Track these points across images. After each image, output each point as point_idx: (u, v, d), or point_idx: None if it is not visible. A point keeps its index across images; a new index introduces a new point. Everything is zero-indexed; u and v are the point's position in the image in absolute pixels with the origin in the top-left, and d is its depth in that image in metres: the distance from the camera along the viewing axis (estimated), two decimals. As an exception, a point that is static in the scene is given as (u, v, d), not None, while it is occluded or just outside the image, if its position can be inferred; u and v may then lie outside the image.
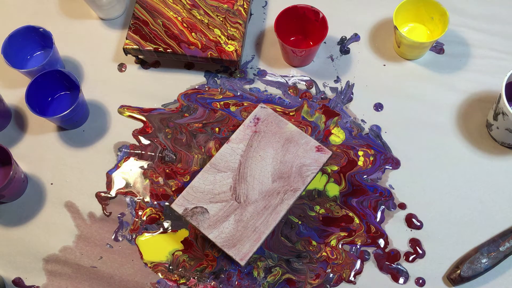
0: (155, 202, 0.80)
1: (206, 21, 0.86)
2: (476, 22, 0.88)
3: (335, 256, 0.76)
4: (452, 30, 0.88)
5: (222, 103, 0.85)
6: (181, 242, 0.77)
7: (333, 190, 0.79)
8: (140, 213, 0.79)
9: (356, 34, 0.89)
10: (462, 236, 0.76)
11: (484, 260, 0.72)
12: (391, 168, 0.80)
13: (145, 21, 0.86)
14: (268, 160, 0.75)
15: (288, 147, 0.75)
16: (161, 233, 0.78)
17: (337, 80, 0.86)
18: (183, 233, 0.78)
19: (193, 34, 0.85)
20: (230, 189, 0.73)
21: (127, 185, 0.81)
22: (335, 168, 0.80)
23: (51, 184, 0.82)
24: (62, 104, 0.85)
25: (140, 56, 0.88)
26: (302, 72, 0.87)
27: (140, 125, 0.85)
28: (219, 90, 0.86)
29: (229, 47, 0.83)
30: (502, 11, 0.89)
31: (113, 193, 0.81)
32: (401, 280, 0.74)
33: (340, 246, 0.76)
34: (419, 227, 0.77)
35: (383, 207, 0.78)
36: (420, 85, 0.85)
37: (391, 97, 0.84)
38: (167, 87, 0.87)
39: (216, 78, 0.87)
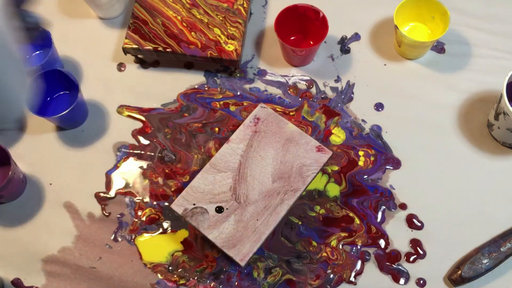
0: (155, 203, 0.79)
1: (205, 20, 0.85)
2: (478, 22, 0.88)
3: (336, 256, 0.75)
4: (453, 30, 0.87)
5: (221, 102, 0.85)
6: (181, 242, 0.77)
7: (334, 190, 0.79)
8: (139, 213, 0.79)
9: (356, 34, 0.89)
10: (463, 236, 0.76)
11: (485, 261, 0.72)
12: (391, 168, 0.80)
13: (144, 21, 0.85)
14: (268, 160, 0.74)
15: (288, 147, 0.75)
16: (161, 233, 0.78)
17: (337, 80, 0.86)
18: (183, 233, 0.78)
19: (192, 33, 0.84)
20: (230, 189, 0.73)
21: (127, 185, 0.81)
22: (336, 168, 0.80)
23: (50, 184, 0.81)
24: (61, 104, 0.85)
25: (139, 56, 0.88)
26: (302, 72, 0.87)
27: (139, 125, 0.84)
28: (218, 89, 0.86)
29: (229, 47, 0.83)
30: (504, 11, 0.89)
31: (112, 193, 0.80)
32: (402, 281, 0.74)
33: (340, 246, 0.76)
34: (419, 228, 0.76)
35: (384, 207, 0.78)
36: (421, 85, 0.85)
37: (392, 96, 0.84)
38: (167, 86, 0.87)
39: (216, 78, 0.87)
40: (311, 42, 0.87)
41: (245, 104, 0.85)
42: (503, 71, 0.84)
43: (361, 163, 0.80)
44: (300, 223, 0.77)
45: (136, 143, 0.83)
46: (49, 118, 0.78)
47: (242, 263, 0.69)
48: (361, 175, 0.79)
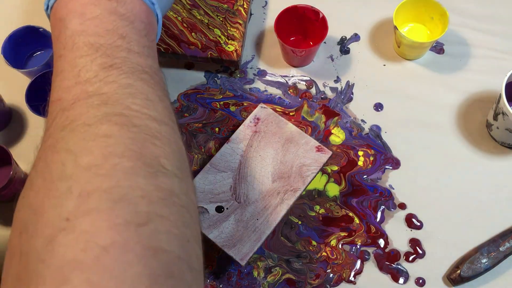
0: (155, 202, 0.80)
1: (206, 21, 0.86)
2: (477, 22, 0.88)
3: (335, 256, 0.76)
4: (452, 30, 0.88)
5: (222, 103, 0.85)
6: (181, 242, 0.77)
7: (333, 190, 0.79)
8: (140, 213, 0.79)
9: (356, 34, 0.89)
10: (462, 236, 0.76)
11: (484, 260, 0.72)
12: (391, 168, 0.80)
13: (145, 21, 0.86)
14: (268, 160, 0.75)
15: (288, 147, 0.75)
16: (161, 233, 0.78)
17: (337, 80, 0.86)
18: (183, 233, 0.78)
19: (193, 34, 0.85)
20: (230, 189, 0.73)
21: (127, 185, 0.81)
22: (335, 168, 0.80)
23: (51, 184, 0.82)
24: (62, 104, 0.85)
25: (140, 56, 0.88)
26: (302, 72, 0.87)
27: (140, 125, 0.85)
28: (219, 90, 0.86)
29: (229, 47, 0.83)
30: (503, 11, 0.89)
31: (113, 193, 0.81)
32: (401, 280, 0.74)
33: (340, 246, 0.76)
34: (419, 227, 0.77)
35: (383, 207, 0.78)
36: (420, 85, 0.85)
37: (391, 97, 0.84)
38: (167, 87, 0.87)
39: (216, 78, 0.87)
40: (311, 43, 0.87)
41: (245, 104, 0.85)
42: (502, 71, 0.85)
43: (360, 163, 0.80)
44: (300, 222, 0.77)
45: (137, 143, 0.83)
46: (50, 118, 0.78)
47: (242, 263, 0.70)
48: (361, 175, 0.80)
